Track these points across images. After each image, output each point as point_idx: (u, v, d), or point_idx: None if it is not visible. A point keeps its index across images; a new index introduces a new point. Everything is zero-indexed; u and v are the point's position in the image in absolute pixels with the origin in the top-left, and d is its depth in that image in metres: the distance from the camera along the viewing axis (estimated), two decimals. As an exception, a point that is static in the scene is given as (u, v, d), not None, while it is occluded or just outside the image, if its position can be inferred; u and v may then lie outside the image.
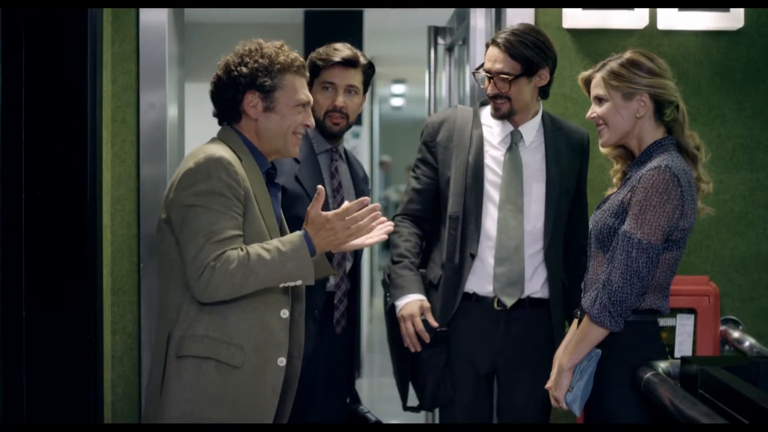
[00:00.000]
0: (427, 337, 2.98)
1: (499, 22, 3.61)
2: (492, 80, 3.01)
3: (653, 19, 3.54)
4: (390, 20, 6.91)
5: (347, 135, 3.46)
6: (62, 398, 3.18)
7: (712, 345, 3.38)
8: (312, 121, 2.60)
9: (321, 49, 3.10)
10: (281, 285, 2.45)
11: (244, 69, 2.49)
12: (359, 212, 2.48)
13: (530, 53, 2.96)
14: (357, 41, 6.06)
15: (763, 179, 3.60)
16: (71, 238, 3.19)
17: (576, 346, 2.60)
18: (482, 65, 3.06)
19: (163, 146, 3.48)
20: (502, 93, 3.00)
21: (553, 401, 2.68)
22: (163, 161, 3.48)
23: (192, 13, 5.07)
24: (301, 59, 2.57)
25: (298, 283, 2.45)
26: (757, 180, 3.60)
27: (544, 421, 3.10)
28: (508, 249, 3.01)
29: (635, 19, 3.54)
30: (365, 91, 3.15)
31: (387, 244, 3.10)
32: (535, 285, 3.03)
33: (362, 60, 3.09)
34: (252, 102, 2.51)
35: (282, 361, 2.48)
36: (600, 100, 2.66)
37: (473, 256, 3.02)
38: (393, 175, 16.34)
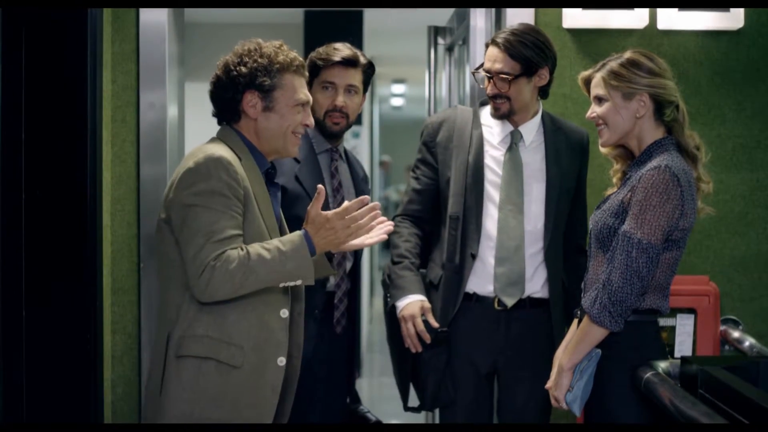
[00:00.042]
0: (428, 338, 2.98)
1: (499, 22, 3.60)
2: (492, 80, 3.01)
3: (653, 19, 3.54)
4: (390, 20, 6.91)
5: (347, 135, 3.46)
6: (62, 398, 3.17)
7: (712, 345, 3.38)
8: (311, 121, 2.60)
9: (321, 49, 3.10)
10: (281, 285, 2.45)
11: (243, 69, 2.49)
12: (359, 211, 2.48)
13: (530, 53, 2.96)
14: (357, 41, 6.06)
15: (763, 179, 3.60)
16: (71, 238, 3.19)
17: (576, 346, 2.60)
18: (482, 65, 3.06)
19: (163, 146, 3.48)
20: (502, 93, 3.00)
21: (553, 401, 2.68)
22: (163, 161, 3.48)
23: (192, 13, 5.08)
24: (301, 59, 2.57)
25: (298, 282, 2.45)
26: (757, 180, 3.60)
27: (545, 421, 3.10)
28: (508, 249, 3.01)
29: (635, 19, 3.53)
30: (365, 90, 3.14)
31: (387, 244, 3.10)
32: (536, 285, 3.03)
33: (362, 60, 3.09)
34: (251, 102, 2.51)
35: (282, 361, 2.48)
36: (600, 99, 2.66)
37: (474, 256, 3.02)
38: (393, 175, 16.33)
